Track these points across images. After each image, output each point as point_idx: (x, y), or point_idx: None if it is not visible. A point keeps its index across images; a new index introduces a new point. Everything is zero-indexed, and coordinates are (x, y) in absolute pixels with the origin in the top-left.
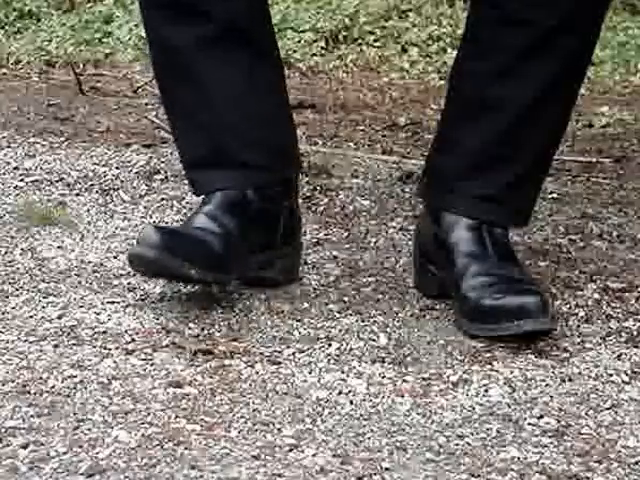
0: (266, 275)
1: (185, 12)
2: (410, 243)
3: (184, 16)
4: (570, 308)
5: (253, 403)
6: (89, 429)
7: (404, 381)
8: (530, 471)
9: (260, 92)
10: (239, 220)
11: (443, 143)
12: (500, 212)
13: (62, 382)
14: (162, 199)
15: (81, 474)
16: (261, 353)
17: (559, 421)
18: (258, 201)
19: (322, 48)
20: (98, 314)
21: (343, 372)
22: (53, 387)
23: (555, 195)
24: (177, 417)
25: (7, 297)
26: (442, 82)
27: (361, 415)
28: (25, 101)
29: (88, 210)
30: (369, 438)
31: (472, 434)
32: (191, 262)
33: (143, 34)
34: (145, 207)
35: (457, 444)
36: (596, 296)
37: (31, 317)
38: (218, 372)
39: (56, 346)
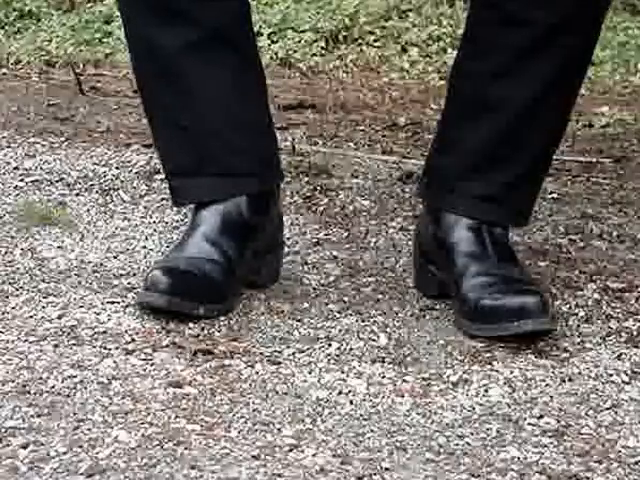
0: (253, 279)
1: (174, 16)
2: (410, 243)
3: (172, 19)
4: (570, 308)
5: (253, 403)
6: (89, 429)
7: (404, 381)
8: (530, 471)
9: (245, 98)
10: (237, 242)
11: (443, 143)
12: (500, 212)
13: (62, 382)
14: (162, 199)
15: (81, 474)
16: (261, 353)
17: (559, 421)
18: (252, 215)
19: (322, 48)
20: (98, 314)
21: (343, 372)
22: (53, 387)
23: (555, 195)
24: (177, 417)
25: (7, 297)
26: (442, 82)
27: (361, 415)
28: (25, 101)
29: (88, 210)
30: (369, 438)
31: (472, 434)
32: (200, 302)
33: None
34: (145, 207)
35: (457, 444)
36: (596, 296)
37: (31, 317)
38: (218, 372)
39: (56, 346)
